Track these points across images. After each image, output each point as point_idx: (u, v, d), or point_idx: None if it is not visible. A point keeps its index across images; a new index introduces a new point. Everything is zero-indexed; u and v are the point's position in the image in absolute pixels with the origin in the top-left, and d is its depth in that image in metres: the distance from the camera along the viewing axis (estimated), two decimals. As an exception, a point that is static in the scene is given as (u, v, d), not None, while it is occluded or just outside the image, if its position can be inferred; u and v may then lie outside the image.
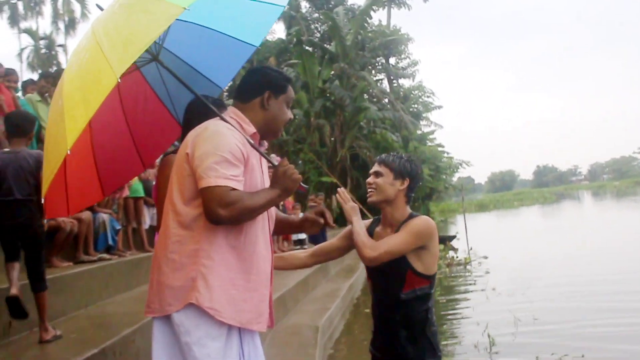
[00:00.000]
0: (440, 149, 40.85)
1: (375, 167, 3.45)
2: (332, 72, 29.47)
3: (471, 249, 19.44)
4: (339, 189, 3.56)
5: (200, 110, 3.18)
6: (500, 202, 78.86)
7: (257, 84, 2.95)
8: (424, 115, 42.91)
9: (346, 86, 28.46)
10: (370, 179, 3.44)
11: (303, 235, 14.53)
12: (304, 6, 37.56)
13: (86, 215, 7.65)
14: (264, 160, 2.99)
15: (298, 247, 14.69)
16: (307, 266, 3.73)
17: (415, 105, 42.36)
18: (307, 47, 29.95)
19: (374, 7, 31.26)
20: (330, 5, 35.06)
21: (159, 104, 3.70)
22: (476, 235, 23.27)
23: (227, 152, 2.65)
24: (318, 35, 35.91)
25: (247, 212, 2.68)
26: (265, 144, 3.18)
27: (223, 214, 2.58)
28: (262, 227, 2.93)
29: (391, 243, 3.24)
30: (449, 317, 10.95)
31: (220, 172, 2.60)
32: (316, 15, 36.73)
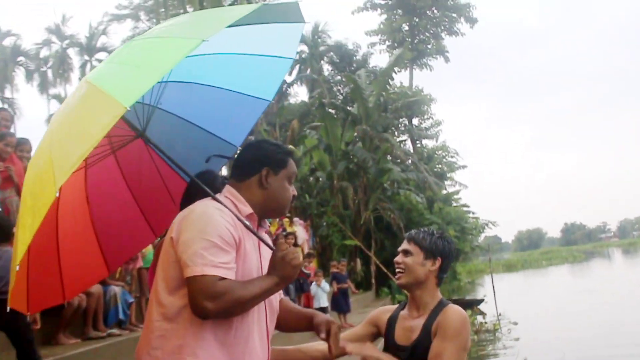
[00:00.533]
0: (465, 209, 40.26)
1: (404, 245, 3.19)
2: (355, 134, 29.34)
3: (500, 315, 18.83)
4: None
5: (199, 190, 2.89)
6: (528, 262, 77.37)
7: (254, 160, 2.73)
8: (448, 175, 42.53)
9: (369, 148, 28.26)
10: (398, 258, 3.17)
11: (325, 303, 14.06)
12: (326, 69, 37.92)
13: (96, 288, 7.37)
14: (264, 244, 2.74)
15: (320, 315, 14.20)
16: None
17: (439, 166, 42.08)
18: (329, 110, 29.88)
19: (396, 69, 31.38)
20: (353, 68, 35.30)
21: (167, 168, 3.49)
22: (504, 297, 22.68)
23: (215, 236, 2.42)
24: (340, 97, 36.02)
25: (239, 305, 2.42)
26: (267, 225, 2.90)
27: (210, 307, 2.33)
28: (258, 320, 2.64)
29: (444, 358, 2.88)
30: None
31: (207, 260, 2.36)
32: (338, 77, 36.98)
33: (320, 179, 29.42)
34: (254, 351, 2.58)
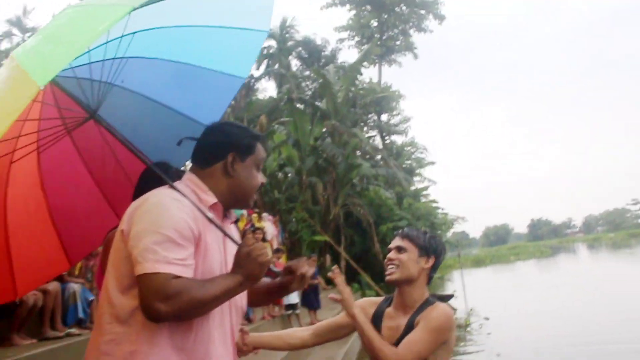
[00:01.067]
0: (434, 204, 40.39)
1: (398, 242, 3.11)
2: (324, 130, 29.15)
3: (471, 310, 18.72)
4: (333, 268, 3.09)
5: (155, 177, 2.60)
6: (496, 257, 78.00)
7: (218, 145, 2.45)
8: (417, 171, 42.72)
9: (338, 143, 28.08)
10: (392, 255, 3.08)
11: (295, 299, 13.77)
12: (295, 64, 37.64)
13: (53, 286, 6.94)
14: (229, 239, 2.47)
15: (290, 311, 13.92)
16: (307, 346, 3.24)
17: (408, 162, 42.21)
18: (298, 105, 29.66)
19: (365, 64, 31.21)
20: (321, 64, 35.09)
21: (125, 152, 3.11)
22: (474, 292, 22.62)
23: (170, 229, 2.15)
24: (309, 93, 35.82)
25: (196, 306, 2.15)
26: (233, 216, 2.61)
27: (162, 308, 2.06)
28: (221, 322, 2.39)
29: (416, 348, 2.85)
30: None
31: (160, 255, 2.10)
32: (307, 73, 36.75)
33: (289, 175, 29.25)
34: (216, 356, 2.32)
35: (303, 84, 36.58)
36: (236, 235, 2.59)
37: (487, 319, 17.67)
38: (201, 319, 2.25)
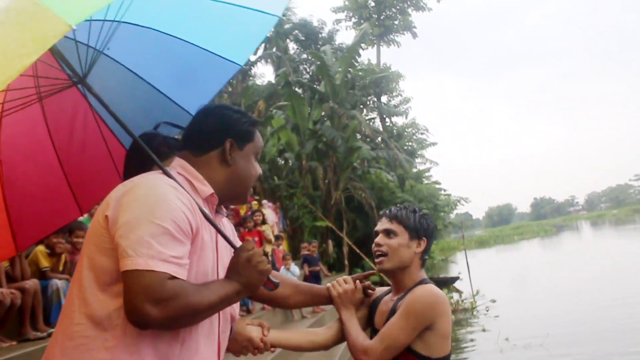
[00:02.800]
0: (437, 186, 40.03)
1: (385, 224, 2.79)
2: (323, 113, 28.71)
3: (477, 292, 18.36)
4: (337, 280, 2.84)
5: (144, 156, 2.30)
6: (500, 237, 77.93)
7: (215, 130, 2.20)
8: (418, 152, 42.37)
9: (337, 126, 27.62)
10: (380, 239, 2.77)
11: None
12: (292, 48, 37.11)
13: (31, 284, 6.46)
14: (223, 239, 2.20)
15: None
16: (329, 345, 2.88)
17: (410, 143, 41.87)
18: (295, 89, 29.17)
19: (363, 45, 30.69)
20: (318, 46, 34.57)
21: (106, 131, 2.83)
22: (479, 274, 22.24)
23: (168, 220, 1.87)
24: (307, 76, 35.36)
25: (190, 314, 1.88)
26: (224, 212, 2.32)
27: (153, 313, 1.77)
28: (209, 331, 2.11)
29: (388, 337, 2.58)
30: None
31: (155, 250, 1.81)
32: (304, 56, 36.27)
33: (289, 160, 28.82)
34: None
35: (301, 67, 36.11)
36: (229, 232, 2.32)
37: (493, 301, 17.32)
38: (190, 327, 1.99)
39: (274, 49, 33.14)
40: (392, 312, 2.67)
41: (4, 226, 2.69)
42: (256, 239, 12.85)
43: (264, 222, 14.78)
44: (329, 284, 2.81)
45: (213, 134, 2.18)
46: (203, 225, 2.05)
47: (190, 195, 2.04)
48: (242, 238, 11.83)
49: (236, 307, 2.37)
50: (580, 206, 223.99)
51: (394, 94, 40.77)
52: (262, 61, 32.19)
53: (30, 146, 2.70)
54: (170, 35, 2.59)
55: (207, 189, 2.13)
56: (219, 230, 2.14)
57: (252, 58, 32.45)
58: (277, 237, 14.91)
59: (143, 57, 2.69)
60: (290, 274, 13.02)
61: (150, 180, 2.00)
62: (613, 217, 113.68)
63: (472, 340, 12.90)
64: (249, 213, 15.20)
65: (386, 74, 36.55)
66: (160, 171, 2.10)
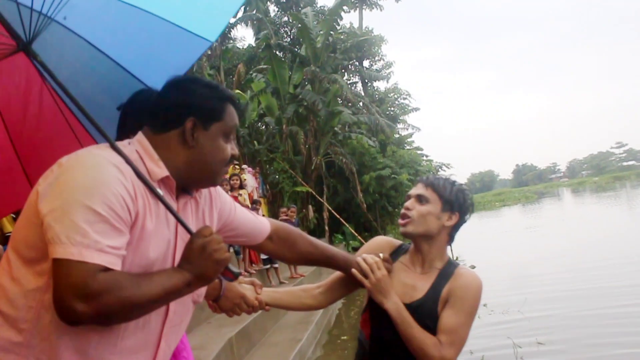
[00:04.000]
0: (419, 152, 39.89)
1: (420, 189, 2.63)
2: (304, 77, 28.33)
3: (456, 258, 18.28)
4: (365, 257, 2.62)
5: (144, 109, 2.10)
6: (481, 204, 78.23)
7: (176, 106, 1.96)
8: (400, 118, 42.10)
9: (318, 90, 27.26)
10: (410, 203, 2.62)
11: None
12: (272, 10, 36.52)
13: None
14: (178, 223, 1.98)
15: (268, 265, 13.34)
16: (322, 307, 2.84)
17: (392, 109, 41.60)
18: (276, 52, 28.74)
19: (344, 8, 30.17)
20: (300, 8, 34.03)
21: (62, 104, 2.53)
22: (460, 240, 22.11)
23: (105, 205, 1.67)
24: (288, 39, 34.85)
25: (125, 309, 1.67)
26: (194, 192, 2.12)
27: (80, 309, 1.59)
28: (142, 322, 1.89)
29: (459, 340, 2.45)
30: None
31: (91, 239, 1.62)
32: (285, 19, 35.73)
33: (269, 125, 28.49)
34: None
35: (281, 30, 35.56)
36: (201, 216, 2.15)
37: (472, 267, 17.24)
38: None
39: (254, 12, 32.56)
40: (434, 294, 2.52)
41: None
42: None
43: (241, 186, 14.50)
44: (356, 265, 2.59)
45: (174, 111, 1.96)
46: (149, 213, 1.84)
47: (142, 176, 1.83)
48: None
49: (202, 291, 2.20)
50: (561, 173, 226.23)
51: (376, 58, 40.31)
52: (242, 24, 31.58)
53: None
54: (135, 7, 2.33)
55: (160, 172, 1.92)
56: (171, 211, 1.91)
57: (232, 20, 31.89)
58: (255, 202, 14.66)
59: (105, 31, 2.43)
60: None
61: (92, 157, 1.78)
62: (594, 184, 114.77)
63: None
64: (226, 177, 14.94)
65: (368, 38, 36.11)
66: (109, 145, 1.88)
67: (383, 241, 2.84)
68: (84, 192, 1.67)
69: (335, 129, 28.60)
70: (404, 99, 42.83)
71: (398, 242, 2.81)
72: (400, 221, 2.63)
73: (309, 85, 28.02)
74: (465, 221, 2.65)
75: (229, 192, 13.15)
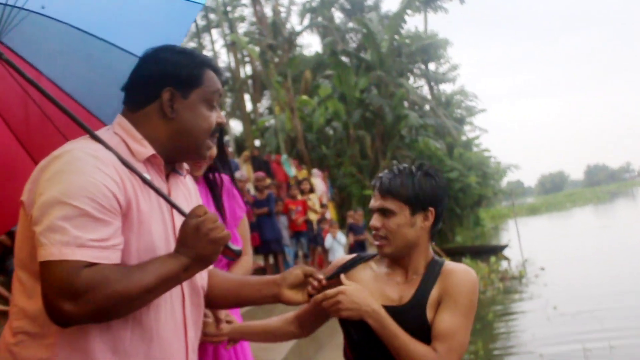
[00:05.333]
0: (486, 154, 39.45)
1: (378, 202, 2.25)
2: (369, 81, 28.49)
3: (526, 260, 18.17)
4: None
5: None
6: (552, 205, 76.39)
7: (151, 78, 1.86)
8: (467, 120, 41.68)
9: (384, 94, 27.45)
10: (375, 221, 2.24)
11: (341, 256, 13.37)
12: (337, 17, 36.81)
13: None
14: (181, 201, 1.94)
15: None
16: (296, 337, 2.53)
17: (458, 110, 41.21)
18: (342, 58, 29.00)
19: (409, 12, 30.22)
20: (364, 14, 34.20)
21: (53, 88, 2.31)
22: (529, 241, 21.96)
23: (84, 198, 1.60)
24: (353, 45, 35.05)
25: (119, 303, 1.62)
26: (184, 171, 2.05)
27: (68, 309, 1.54)
28: (171, 309, 1.86)
29: (459, 347, 2.14)
30: (506, 345, 9.78)
31: (70, 235, 1.57)
32: (350, 25, 35.94)
33: (337, 129, 28.74)
34: (165, 357, 1.82)
35: (347, 36, 35.77)
36: (191, 194, 2.07)
37: (542, 269, 17.09)
38: (136, 311, 1.73)
39: (320, 19, 32.93)
40: (421, 294, 2.20)
41: None
42: (300, 207, 12.88)
43: (311, 190, 14.78)
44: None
45: (149, 84, 1.86)
46: (141, 195, 1.78)
47: (124, 161, 1.76)
48: (286, 207, 11.77)
49: (204, 275, 2.08)
50: (635, 172, 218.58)
51: (442, 60, 39.99)
52: (308, 31, 32.00)
53: None
54: None
55: (146, 151, 1.83)
56: (161, 195, 1.84)
57: (298, 28, 32.39)
58: (322, 206, 14.93)
59: (90, 12, 2.26)
60: (337, 242, 13.04)
61: (68, 153, 1.70)
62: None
63: (520, 308, 12.80)
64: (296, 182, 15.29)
65: (433, 41, 35.96)
66: (88, 135, 1.82)
67: (338, 261, 2.46)
68: (58, 189, 1.61)
69: (402, 132, 28.69)
70: (471, 100, 42.37)
71: (349, 256, 2.44)
72: (375, 242, 2.30)
73: (375, 90, 28.20)
74: (445, 209, 2.30)
75: (300, 196, 13.48)
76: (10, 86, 2.24)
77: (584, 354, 7.99)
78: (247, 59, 32.16)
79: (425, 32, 38.01)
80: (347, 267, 2.36)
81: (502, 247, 23.77)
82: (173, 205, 1.86)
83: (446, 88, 42.03)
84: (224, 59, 31.39)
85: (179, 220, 1.85)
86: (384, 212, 2.22)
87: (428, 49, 34.87)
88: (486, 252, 22.34)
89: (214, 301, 2.18)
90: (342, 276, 2.22)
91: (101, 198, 1.63)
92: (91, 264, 1.58)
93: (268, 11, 30.58)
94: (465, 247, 25.60)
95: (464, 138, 37.00)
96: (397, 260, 2.29)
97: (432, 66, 39.53)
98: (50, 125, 2.30)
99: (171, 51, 1.91)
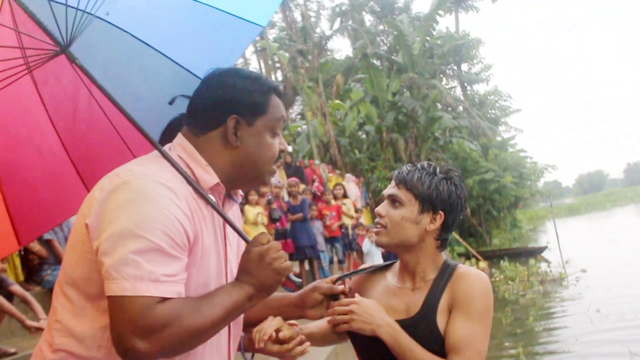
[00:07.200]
0: (522, 154, 38.95)
1: (392, 189, 2.16)
2: (401, 84, 28.30)
3: (566, 262, 17.76)
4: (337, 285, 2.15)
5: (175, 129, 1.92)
6: (591, 205, 75.13)
7: (216, 104, 1.80)
8: (502, 120, 41.23)
9: (417, 97, 27.21)
10: (382, 208, 2.14)
11: (379, 261, 13.18)
12: (368, 20, 36.70)
13: (16, 288, 5.54)
14: (229, 229, 1.85)
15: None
16: (335, 342, 2.40)
17: (492, 111, 40.82)
18: (373, 61, 28.85)
19: (440, 12, 29.95)
20: (395, 16, 34.04)
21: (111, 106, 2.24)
22: (569, 243, 21.48)
23: (159, 233, 1.54)
24: (384, 48, 34.90)
25: (190, 338, 1.57)
26: (239, 198, 1.99)
27: (141, 347, 1.49)
28: (216, 342, 1.80)
29: (476, 349, 1.99)
30: (549, 349, 9.50)
31: (144, 270, 1.51)
32: (381, 27, 35.83)
33: (369, 133, 28.59)
34: None
35: (377, 39, 35.66)
36: (238, 222, 1.96)
37: (584, 271, 16.70)
38: None
39: (350, 22, 32.84)
40: (430, 303, 2.07)
41: (3, 220, 2.34)
42: (334, 213, 12.74)
43: (345, 195, 14.64)
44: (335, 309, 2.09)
45: (214, 110, 1.81)
46: (205, 228, 1.73)
47: (193, 186, 1.72)
48: (320, 212, 11.64)
49: None
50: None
51: (474, 61, 39.66)
52: (339, 35, 31.93)
53: (26, 128, 2.33)
54: None
55: (211, 179, 1.77)
56: (230, 223, 1.81)
57: (328, 32, 32.32)
58: (356, 211, 14.78)
59: (151, 23, 2.29)
60: (375, 246, 12.85)
61: (139, 179, 1.63)
62: None
63: (561, 311, 12.48)
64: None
65: (465, 41, 35.64)
66: (159, 156, 1.77)
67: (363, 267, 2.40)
68: (132, 220, 1.55)
69: (436, 134, 28.43)
70: (505, 100, 41.93)
71: (376, 265, 2.36)
72: (373, 229, 2.27)
73: (407, 92, 28.00)
74: (456, 220, 2.17)
75: (333, 201, 13.34)
76: (64, 90, 2.25)
77: (631, 358, 7.70)
78: (277, 65, 32.17)
79: (456, 32, 37.73)
80: (361, 272, 2.32)
81: (542, 249, 23.36)
82: (240, 235, 1.84)
83: (479, 88, 41.72)
84: (254, 65, 31.31)
85: (230, 250, 1.85)
86: (393, 201, 2.13)
87: (460, 49, 34.62)
88: (525, 255, 21.97)
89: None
90: (356, 295, 2.13)
91: (175, 233, 1.58)
92: (164, 299, 1.53)
93: (297, 16, 30.55)
94: (503, 249, 25.21)
95: (498, 139, 36.59)
96: (402, 260, 2.19)
97: (464, 67, 39.24)
98: (94, 136, 2.30)
99: (237, 76, 1.85)
